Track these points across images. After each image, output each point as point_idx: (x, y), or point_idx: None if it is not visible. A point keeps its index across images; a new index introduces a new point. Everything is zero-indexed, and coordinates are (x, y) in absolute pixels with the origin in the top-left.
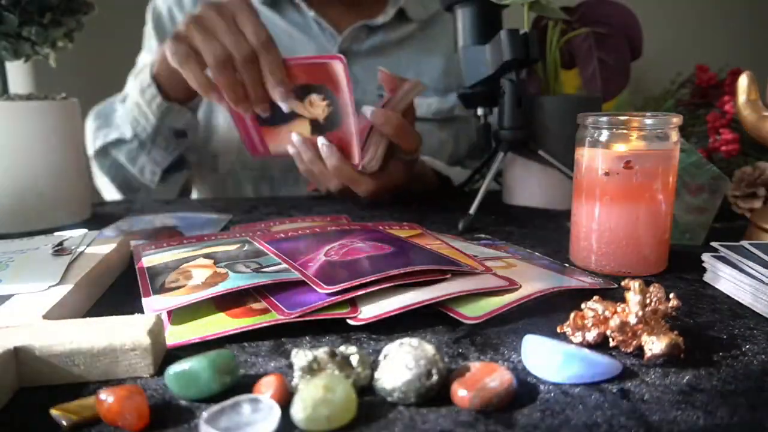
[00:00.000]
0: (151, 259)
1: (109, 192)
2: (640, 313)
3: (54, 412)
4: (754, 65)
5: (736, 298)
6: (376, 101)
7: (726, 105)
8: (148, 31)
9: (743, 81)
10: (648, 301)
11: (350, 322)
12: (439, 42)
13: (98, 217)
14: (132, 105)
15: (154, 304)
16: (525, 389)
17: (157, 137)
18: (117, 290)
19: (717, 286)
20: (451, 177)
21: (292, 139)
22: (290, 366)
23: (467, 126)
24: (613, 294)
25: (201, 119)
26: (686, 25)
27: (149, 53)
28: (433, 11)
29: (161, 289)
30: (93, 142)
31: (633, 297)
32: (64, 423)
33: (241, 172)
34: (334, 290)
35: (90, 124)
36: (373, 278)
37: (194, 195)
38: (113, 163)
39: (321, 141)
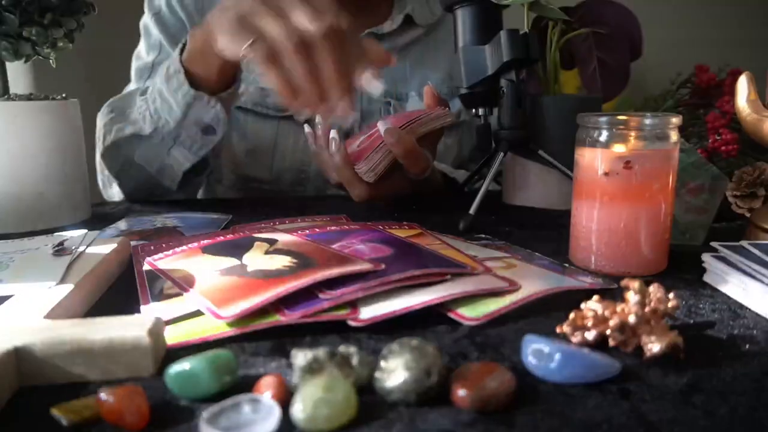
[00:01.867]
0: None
1: (114, 192)
2: (640, 313)
3: (54, 412)
4: (754, 65)
5: (736, 298)
6: (381, 108)
7: (726, 105)
8: (146, 24)
9: (743, 81)
10: (648, 301)
11: (351, 323)
12: (444, 47)
13: (98, 217)
14: (154, 94)
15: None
16: (525, 389)
17: (181, 133)
18: (117, 290)
19: (717, 286)
20: (457, 178)
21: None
22: (290, 366)
23: (471, 131)
24: (613, 294)
25: None
26: (686, 25)
27: (153, 50)
28: (440, 15)
29: (160, 296)
30: (104, 137)
31: (633, 297)
32: (65, 423)
33: (249, 184)
34: (335, 296)
35: (103, 117)
36: (374, 283)
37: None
38: (126, 161)
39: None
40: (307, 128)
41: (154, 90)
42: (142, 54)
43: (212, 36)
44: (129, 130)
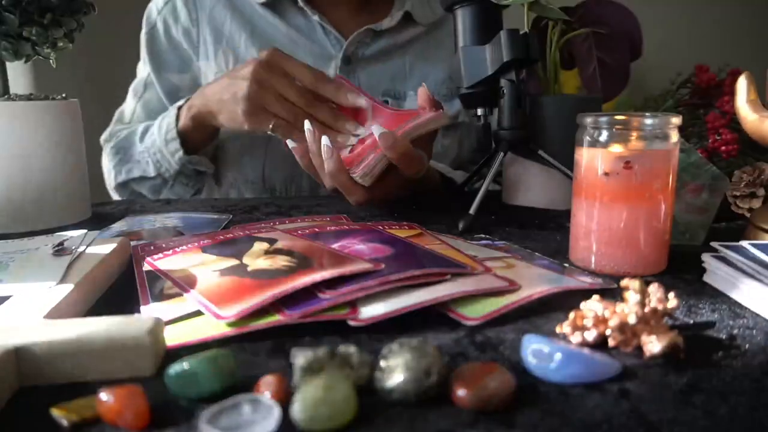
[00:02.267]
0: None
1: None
2: (640, 313)
3: (54, 412)
4: (754, 65)
5: (736, 298)
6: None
7: (726, 105)
8: (142, 40)
9: (743, 81)
10: (648, 300)
11: (351, 323)
12: (444, 46)
13: (98, 217)
14: (155, 149)
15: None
16: (525, 389)
17: (179, 176)
18: (117, 290)
19: (717, 286)
20: (455, 179)
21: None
22: (290, 366)
23: (470, 131)
24: (613, 294)
25: None
26: (686, 25)
27: (144, 65)
28: (440, 14)
29: (160, 296)
30: (114, 177)
31: (632, 297)
32: (64, 423)
33: (243, 185)
34: (336, 295)
35: (109, 158)
36: (373, 283)
37: None
38: (134, 192)
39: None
40: (290, 143)
41: (155, 145)
42: (140, 67)
43: (213, 115)
44: (136, 173)
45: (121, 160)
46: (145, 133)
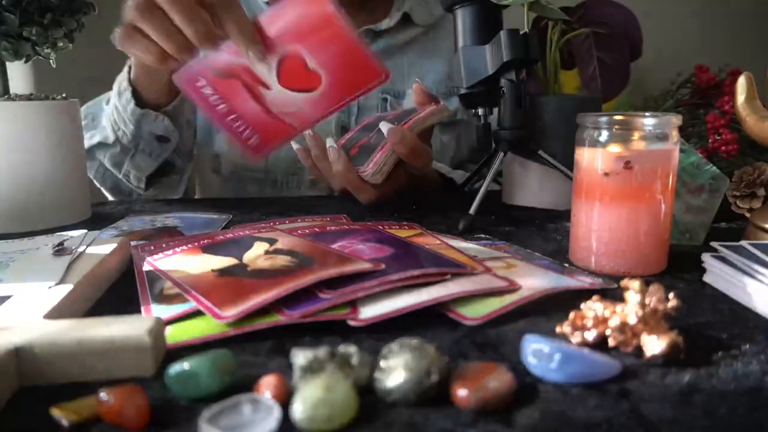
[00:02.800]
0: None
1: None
2: (640, 313)
3: (54, 411)
4: (754, 65)
5: (736, 298)
6: (379, 104)
7: (726, 105)
8: None
9: (743, 81)
10: (648, 301)
11: (351, 323)
12: (442, 46)
13: (98, 217)
14: (112, 108)
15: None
16: (525, 389)
17: (140, 142)
18: (117, 290)
19: (717, 286)
20: (455, 179)
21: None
22: (290, 366)
23: (469, 130)
24: (613, 294)
25: (200, 121)
26: (686, 25)
27: None
28: (439, 15)
29: (160, 296)
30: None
31: (633, 297)
32: (64, 423)
33: (244, 174)
34: (336, 295)
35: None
36: (373, 283)
37: (197, 197)
38: (100, 165)
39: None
40: (295, 145)
41: (111, 104)
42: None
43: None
44: (97, 138)
45: (86, 125)
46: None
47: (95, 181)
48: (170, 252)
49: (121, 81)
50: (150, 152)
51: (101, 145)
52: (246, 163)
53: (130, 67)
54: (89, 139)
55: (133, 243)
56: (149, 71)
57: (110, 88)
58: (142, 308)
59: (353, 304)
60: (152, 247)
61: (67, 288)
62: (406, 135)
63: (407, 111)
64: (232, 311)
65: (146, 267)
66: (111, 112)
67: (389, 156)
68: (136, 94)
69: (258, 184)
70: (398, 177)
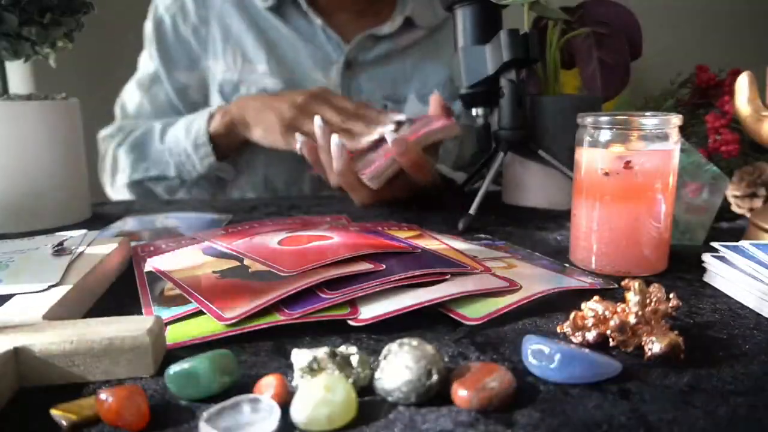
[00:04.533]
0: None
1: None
2: (640, 313)
3: (54, 412)
4: (754, 65)
5: (736, 298)
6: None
7: (726, 105)
8: (149, 35)
9: (743, 81)
10: (648, 301)
11: (351, 323)
12: (445, 49)
13: (98, 217)
14: (179, 151)
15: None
16: (525, 389)
17: (201, 180)
18: (117, 290)
19: (717, 286)
20: (455, 180)
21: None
22: (290, 366)
23: (471, 134)
24: (613, 294)
25: None
26: (686, 25)
27: (150, 59)
28: (442, 17)
29: (160, 296)
30: (130, 174)
31: (633, 297)
32: (64, 423)
33: (245, 181)
34: (336, 295)
35: (125, 154)
36: (373, 283)
37: None
38: (147, 191)
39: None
40: (299, 137)
41: (179, 146)
42: (145, 59)
43: (248, 127)
44: (154, 172)
45: (137, 158)
46: (164, 133)
47: (126, 190)
48: (171, 253)
49: (198, 134)
50: (206, 186)
51: (159, 178)
52: (248, 174)
53: (209, 119)
54: (144, 172)
55: (133, 243)
56: (234, 133)
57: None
58: (143, 310)
59: (353, 304)
60: (152, 248)
61: (66, 288)
62: (411, 147)
63: (419, 118)
64: (234, 313)
65: (147, 268)
66: (178, 154)
67: (391, 164)
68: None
69: (258, 192)
70: (397, 185)
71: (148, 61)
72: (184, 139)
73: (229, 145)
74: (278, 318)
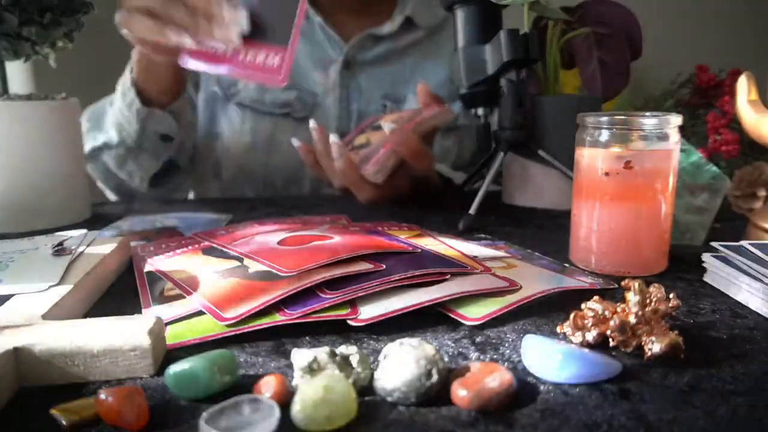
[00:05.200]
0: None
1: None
2: (640, 313)
3: (54, 412)
4: (754, 65)
5: (736, 298)
6: (379, 110)
7: (726, 105)
8: None
9: (743, 81)
10: (648, 301)
11: (351, 323)
12: (444, 49)
13: (98, 217)
14: (116, 109)
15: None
16: (525, 389)
17: (144, 142)
18: (117, 290)
19: (717, 286)
20: (455, 179)
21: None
22: (290, 366)
23: (470, 134)
24: (613, 294)
25: (202, 126)
26: (686, 25)
27: None
28: (442, 17)
29: (161, 296)
30: (85, 144)
31: (633, 297)
32: (64, 423)
33: (244, 180)
34: (336, 295)
35: (83, 125)
36: (373, 283)
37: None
38: (103, 166)
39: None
40: (296, 142)
41: (115, 105)
42: None
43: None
44: (101, 140)
45: (90, 127)
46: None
47: (99, 182)
48: (171, 253)
49: (124, 81)
50: (154, 151)
51: (105, 146)
52: (246, 170)
53: (132, 68)
54: (93, 141)
55: (133, 243)
56: (150, 68)
57: (110, 88)
58: (143, 310)
59: (353, 304)
60: (152, 247)
61: (66, 288)
62: (409, 136)
63: (410, 112)
64: (235, 313)
65: (147, 268)
66: (115, 114)
67: (391, 156)
68: (139, 94)
69: (257, 190)
70: (399, 178)
71: None
72: (120, 97)
73: (156, 87)
74: (278, 318)
